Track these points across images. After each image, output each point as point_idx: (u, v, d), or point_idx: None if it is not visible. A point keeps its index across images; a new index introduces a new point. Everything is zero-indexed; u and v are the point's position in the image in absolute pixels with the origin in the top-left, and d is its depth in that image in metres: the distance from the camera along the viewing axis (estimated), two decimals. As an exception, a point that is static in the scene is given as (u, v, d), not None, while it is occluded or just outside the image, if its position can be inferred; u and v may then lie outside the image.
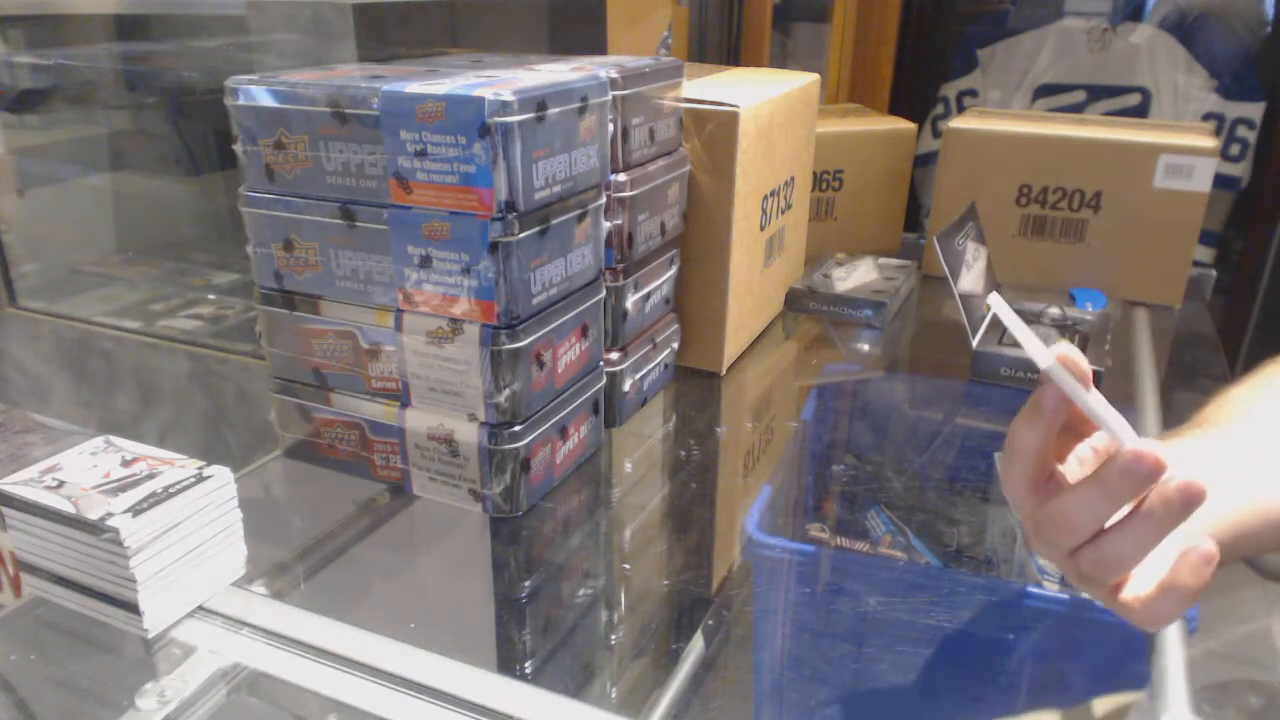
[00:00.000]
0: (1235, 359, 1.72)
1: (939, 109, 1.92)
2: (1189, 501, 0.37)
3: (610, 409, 0.79)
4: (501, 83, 0.60)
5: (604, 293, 0.74)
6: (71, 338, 1.14)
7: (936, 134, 1.88)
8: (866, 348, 1.03)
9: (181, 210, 1.36)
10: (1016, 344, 0.40)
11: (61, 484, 0.56)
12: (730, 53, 1.69)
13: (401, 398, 0.68)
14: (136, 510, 0.54)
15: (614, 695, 0.55)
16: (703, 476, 0.77)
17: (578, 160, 0.66)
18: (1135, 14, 1.77)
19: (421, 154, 0.60)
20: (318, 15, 0.98)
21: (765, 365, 0.97)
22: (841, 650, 0.65)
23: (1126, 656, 0.58)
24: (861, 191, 1.25)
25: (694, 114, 0.83)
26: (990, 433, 0.92)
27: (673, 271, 0.86)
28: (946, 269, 0.86)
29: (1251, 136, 1.71)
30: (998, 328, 0.93)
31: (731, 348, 0.92)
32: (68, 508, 0.54)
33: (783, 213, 1.00)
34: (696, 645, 0.57)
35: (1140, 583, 0.40)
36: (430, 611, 0.64)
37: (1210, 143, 1.05)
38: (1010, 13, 1.89)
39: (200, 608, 0.58)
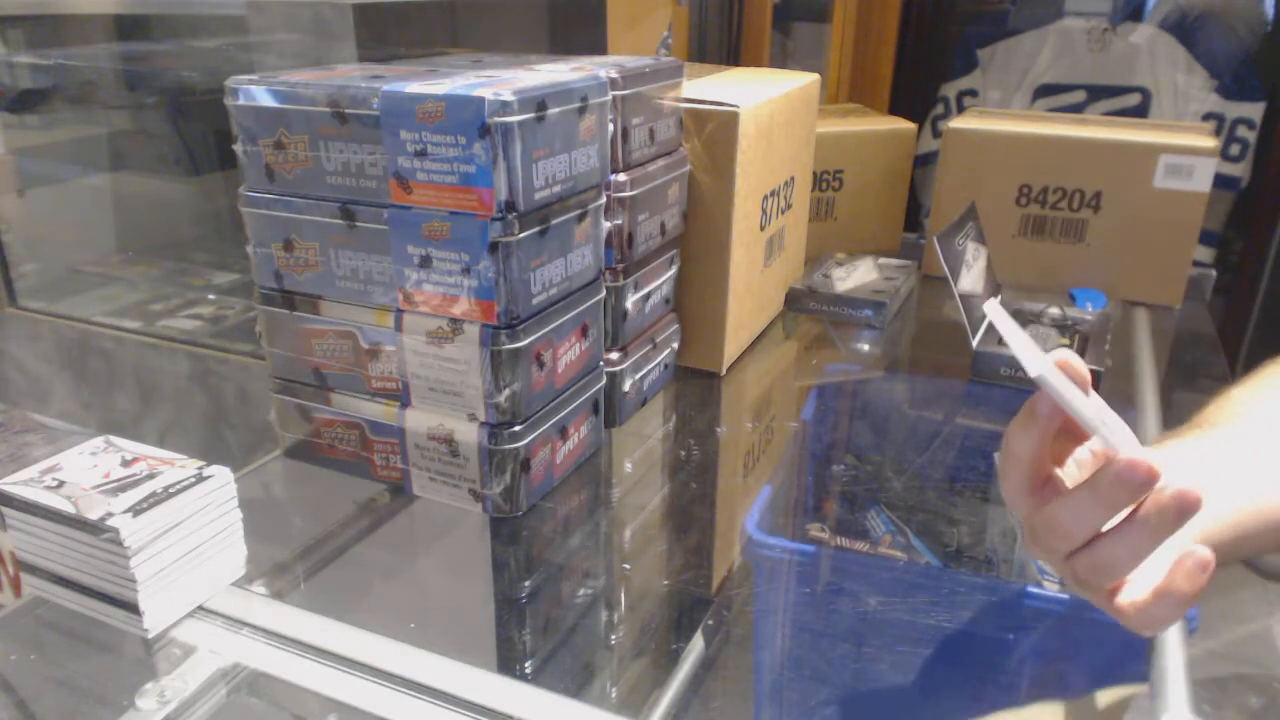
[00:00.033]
0: (1235, 359, 1.72)
1: (939, 109, 1.92)
2: (1184, 510, 0.37)
3: (610, 409, 0.79)
4: (501, 83, 0.60)
5: (604, 293, 0.74)
6: (71, 338, 1.14)
7: (936, 134, 1.88)
8: (866, 348, 1.03)
9: (181, 210, 1.36)
10: None
11: (61, 484, 0.56)
12: (730, 53, 1.69)
13: (401, 398, 0.68)
14: (136, 510, 0.54)
15: (614, 695, 0.55)
16: (703, 476, 0.77)
17: (578, 160, 0.66)
18: (1135, 14, 1.78)
19: (421, 154, 0.60)
20: (318, 15, 0.98)
21: (765, 365, 0.97)
22: (841, 650, 0.65)
23: (1126, 656, 0.58)
24: (861, 191, 1.25)
25: (694, 114, 0.83)
26: (990, 433, 0.92)
27: (673, 271, 0.86)
28: (946, 269, 0.86)
29: (1251, 136, 1.71)
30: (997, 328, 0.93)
31: (731, 348, 0.92)
32: (68, 508, 0.54)
33: (783, 213, 1.00)
34: (696, 645, 0.57)
35: (1136, 587, 0.40)
36: (430, 611, 0.64)
37: (1210, 143, 1.05)
38: (1010, 13, 1.89)
39: (200, 608, 0.58)
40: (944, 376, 1.02)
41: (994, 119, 1.18)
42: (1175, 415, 0.84)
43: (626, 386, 0.80)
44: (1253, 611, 0.63)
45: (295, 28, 1.00)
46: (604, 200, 0.72)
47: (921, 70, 2.00)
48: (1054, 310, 1.01)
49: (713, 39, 1.64)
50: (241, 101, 0.65)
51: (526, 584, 0.64)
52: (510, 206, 0.60)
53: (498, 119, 0.57)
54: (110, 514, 0.53)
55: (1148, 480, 0.36)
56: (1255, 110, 1.71)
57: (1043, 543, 0.41)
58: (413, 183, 0.61)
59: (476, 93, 0.57)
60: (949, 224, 0.91)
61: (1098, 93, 1.79)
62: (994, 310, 0.41)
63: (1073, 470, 0.43)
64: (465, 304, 0.63)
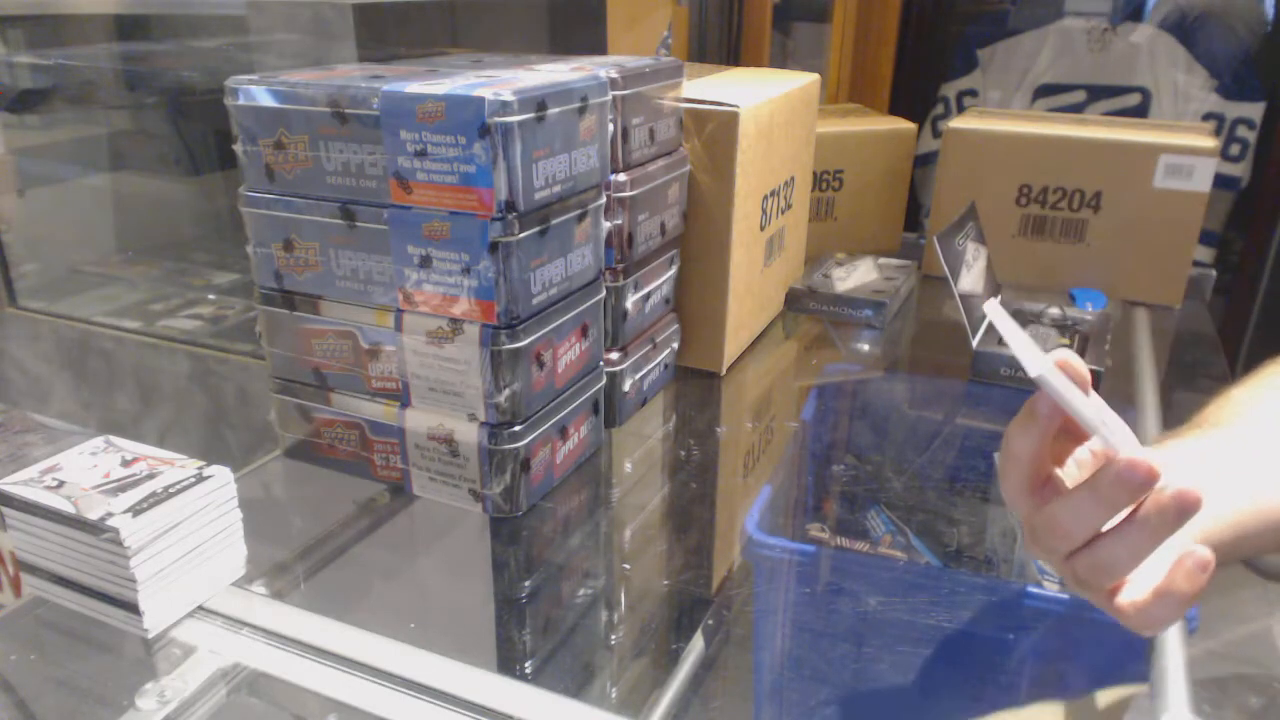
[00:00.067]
0: (1235, 359, 1.72)
1: (939, 109, 1.92)
2: (1184, 510, 0.37)
3: (610, 409, 0.79)
4: (501, 83, 0.60)
5: (604, 293, 0.74)
6: (71, 338, 1.14)
7: (936, 134, 1.88)
8: (866, 348, 1.03)
9: (181, 210, 1.36)
10: None
11: (61, 484, 0.56)
12: (730, 53, 1.69)
13: (401, 398, 0.68)
14: (136, 510, 0.54)
15: (614, 695, 0.55)
16: (703, 476, 0.77)
17: (578, 160, 0.66)
18: (1135, 14, 1.78)
19: (421, 154, 0.60)
20: (318, 15, 0.98)
21: (765, 365, 0.97)
22: (841, 650, 0.65)
23: (1126, 656, 0.58)
24: (861, 191, 1.25)
25: (694, 114, 0.83)
26: (990, 433, 0.92)
27: (673, 271, 0.86)
28: (946, 269, 0.86)
29: (1251, 136, 1.71)
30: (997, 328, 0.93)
31: (731, 348, 0.92)
32: (68, 508, 0.54)
33: (783, 213, 1.00)
34: (696, 645, 0.57)
35: (1136, 587, 0.40)
36: (430, 611, 0.64)
37: (1210, 143, 1.05)
38: (1010, 13, 1.89)
39: (200, 608, 0.58)
40: (944, 376, 1.02)
41: (994, 119, 1.18)
42: (1175, 415, 0.84)
43: (626, 386, 0.80)
44: (1253, 611, 0.63)
45: (295, 28, 1.00)
46: (604, 200, 0.72)
47: (921, 70, 2.00)
48: (1054, 310, 1.01)
49: (713, 39, 1.64)
50: (241, 101, 0.65)
51: (526, 584, 0.64)
52: (510, 206, 0.60)
53: (498, 119, 0.57)
54: (110, 514, 0.53)
55: (1148, 480, 0.36)
56: (1255, 110, 1.71)
57: (1042, 543, 0.41)
58: (413, 183, 0.61)
59: (476, 93, 0.57)
60: (949, 224, 0.91)
61: (1098, 93, 1.79)
62: (994, 310, 0.41)
63: (1073, 470, 0.43)
64: (465, 304, 0.63)
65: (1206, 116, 1.72)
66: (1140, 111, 1.76)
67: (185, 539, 0.56)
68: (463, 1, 1.21)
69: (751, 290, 0.94)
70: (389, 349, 0.67)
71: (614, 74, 0.70)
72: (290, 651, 0.55)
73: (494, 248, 0.60)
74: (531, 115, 0.59)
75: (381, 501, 0.72)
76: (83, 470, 0.58)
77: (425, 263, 0.63)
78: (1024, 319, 1.01)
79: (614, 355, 0.78)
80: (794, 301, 1.08)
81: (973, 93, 1.90)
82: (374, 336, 0.67)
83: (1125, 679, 0.58)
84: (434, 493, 0.69)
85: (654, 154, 0.78)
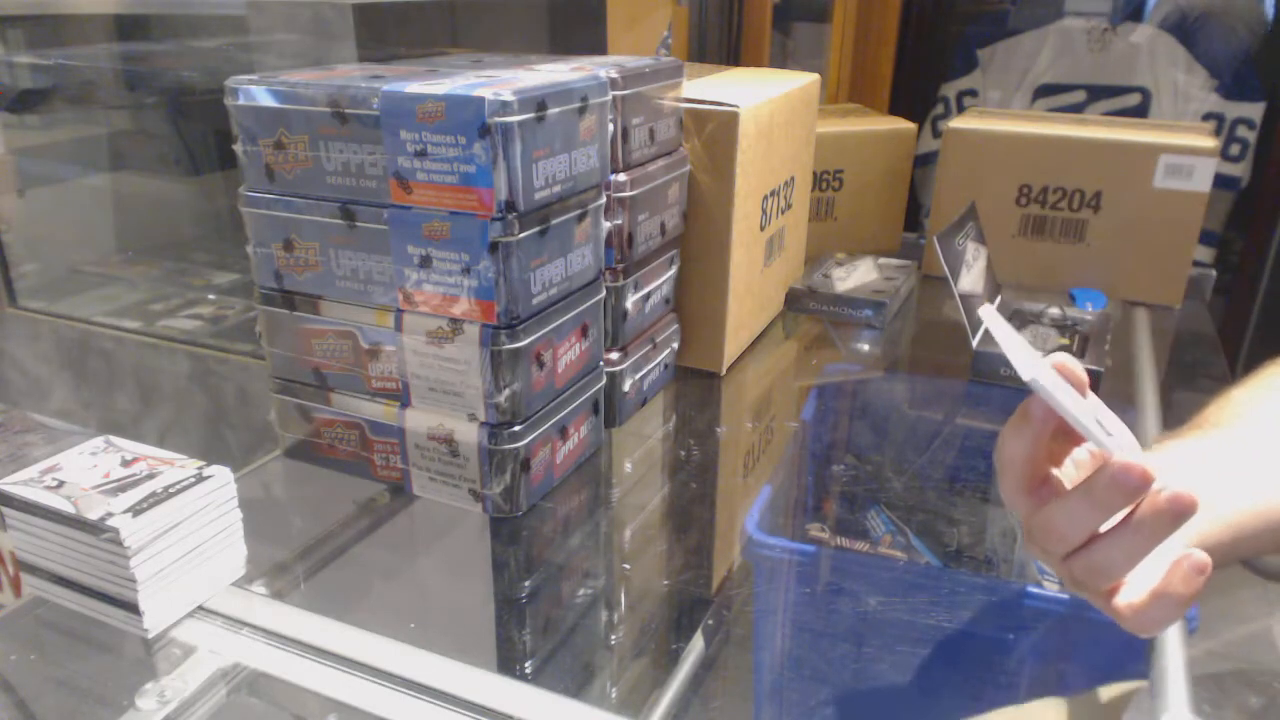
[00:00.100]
0: (1235, 359, 1.72)
1: (939, 109, 1.92)
2: (1179, 513, 0.37)
3: (610, 409, 0.79)
4: (501, 83, 0.60)
5: (604, 293, 0.74)
6: (71, 338, 1.14)
7: (936, 134, 1.88)
8: (866, 348, 1.03)
9: (181, 210, 1.36)
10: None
11: (61, 484, 0.56)
12: (730, 53, 1.69)
13: (401, 398, 0.68)
14: (136, 510, 0.54)
15: (614, 695, 0.55)
16: (703, 476, 0.77)
17: (578, 160, 0.66)
18: (1135, 14, 1.78)
19: (421, 154, 0.60)
20: (318, 15, 0.98)
21: (765, 365, 0.97)
22: (841, 650, 0.65)
23: (1126, 656, 0.58)
24: (861, 191, 1.25)
25: (694, 114, 0.83)
26: (990, 433, 0.92)
27: (673, 271, 0.86)
28: (946, 269, 0.86)
29: (1251, 136, 1.71)
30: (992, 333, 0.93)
31: (731, 348, 0.92)
32: (68, 508, 0.54)
33: (783, 213, 1.00)
34: (696, 645, 0.57)
35: (1133, 589, 0.40)
36: (430, 611, 0.64)
37: (1210, 143, 1.05)
38: (1010, 13, 1.89)
39: (200, 608, 0.58)
40: (944, 376, 1.02)
41: (994, 119, 1.18)
42: (1175, 415, 0.84)
43: (626, 386, 0.80)
44: (1253, 611, 0.63)
45: (295, 28, 1.00)
46: (604, 200, 0.72)
47: (921, 70, 2.00)
48: (1054, 310, 1.01)
49: (713, 39, 1.64)
50: (241, 101, 0.65)
51: (526, 584, 0.64)
52: (510, 206, 0.60)
53: (498, 119, 0.57)
54: (110, 514, 0.53)
55: (1142, 484, 0.37)
56: (1255, 110, 1.71)
57: (1039, 544, 0.41)
58: (413, 183, 0.61)
59: (476, 93, 0.57)
60: (949, 224, 0.91)
61: (1098, 93, 1.79)
62: (989, 315, 0.41)
63: (1071, 470, 0.43)
64: (465, 304, 0.63)
65: (1206, 116, 1.72)
66: (1140, 111, 1.76)
67: (185, 539, 0.56)
68: (463, 1, 1.21)
69: (751, 290, 0.94)
70: (389, 349, 0.67)
71: (614, 74, 0.70)
72: (290, 651, 0.55)
73: (494, 248, 0.60)
74: (531, 115, 0.59)
75: (381, 501, 0.72)
76: (83, 470, 0.58)
77: (425, 263, 0.63)
78: (1024, 319, 1.01)
79: (614, 355, 0.78)
80: (794, 301, 1.08)
81: (973, 93, 1.90)
82: (374, 336, 0.67)
83: (1125, 679, 0.58)
84: (434, 493, 0.69)
85: (654, 154, 0.78)
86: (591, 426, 0.76)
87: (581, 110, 0.65)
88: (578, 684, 0.55)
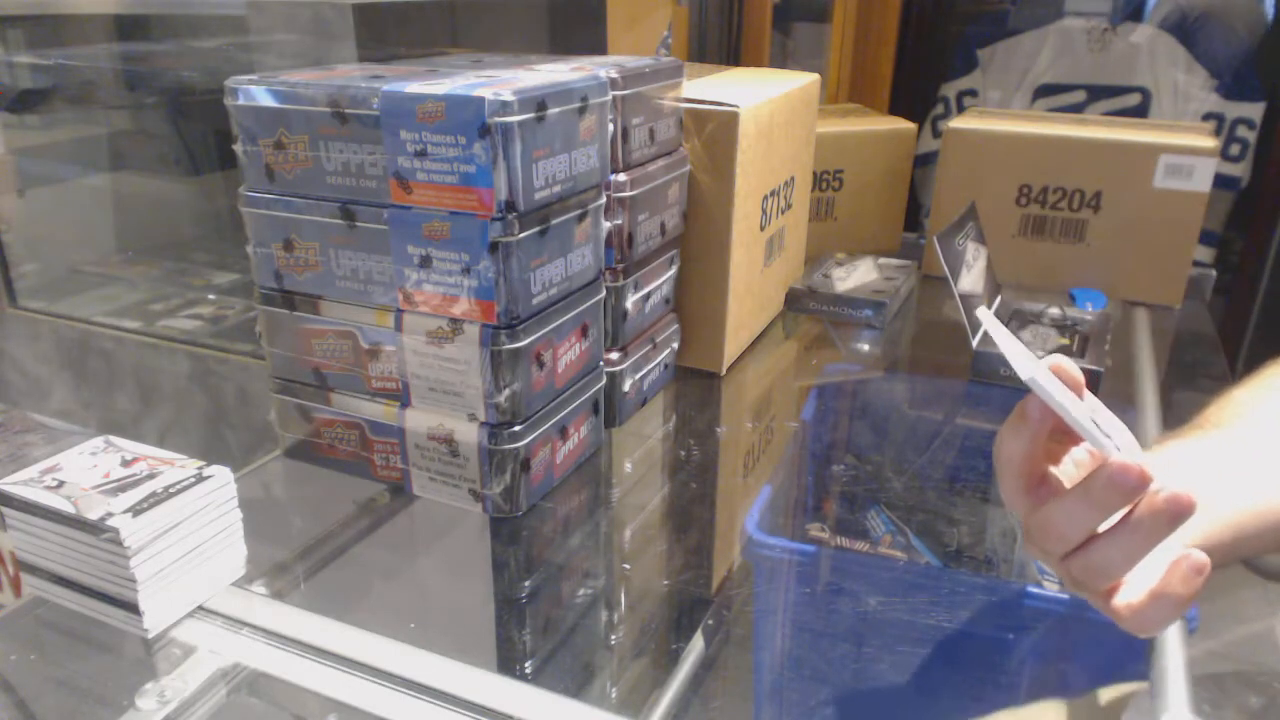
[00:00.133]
0: (1235, 359, 1.72)
1: (939, 109, 1.92)
2: (1177, 513, 0.37)
3: (610, 409, 0.79)
4: (501, 83, 0.60)
5: (604, 293, 0.74)
6: (71, 338, 1.14)
7: (936, 134, 1.88)
8: (866, 348, 1.03)
9: (181, 210, 1.36)
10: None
11: (61, 484, 0.56)
12: (730, 53, 1.69)
13: (401, 398, 0.68)
14: (136, 510, 0.54)
15: (614, 695, 0.55)
16: (703, 476, 0.77)
17: (578, 160, 0.66)
18: (1135, 14, 1.78)
19: (421, 154, 0.60)
20: (318, 15, 0.98)
21: (765, 365, 0.97)
22: (841, 650, 0.65)
23: (1126, 656, 0.58)
24: (861, 191, 1.25)
25: (694, 114, 0.83)
26: (990, 433, 0.91)
27: (673, 271, 0.86)
28: (946, 269, 0.86)
29: (1251, 136, 1.71)
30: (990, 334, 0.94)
31: (731, 348, 0.92)
32: (68, 508, 0.54)
33: (783, 213, 1.00)
34: (696, 645, 0.57)
35: (1132, 589, 0.40)
36: (430, 611, 0.64)
37: (1210, 143, 1.05)
38: (1010, 13, 1.89)
39: (200, 608, 0.58)
40: (944, 376, 1.02)
41: (994, 119, 1.18)
42: (1175, 415, 0.84)
43: (626, 386, 0.80)
44: (1253, 611, 0.63)
45: (295, 28, 1.00)
46: (604, 200, 0.72)
47: (921, 70, 2.00)
48: (1054, 310, 1.01)
49: (713, 39, 1.64)
50: (241, 101, 0.65)
51: (526, 584, 0.64)
52: (510, 206, 0.60)
53: (498, 119, 0.57)
54: (110, 514, 0.53)
55: (1139, 485, 0.37)
56: (1255, 110, 1.71)
57: (1038, 544, 0.41)
58: (413, 183, 0.61)
59: (476, 93, 0.57)
60: (949, 224, 0.91)
61: (1098, 93, 1.79)
62: (986, 316, 0.42)
63: (1070, 469, 0.43)
64: (465, 304, 0.63)
65: (1206, 116, 1.72)
66: (1140, 111, 1.76)
67: (185, 539, 0.56)
68: (463, 1, 1.21)
69: (751, 290, 0.94)
70: (389, 349, 0.67)
71: (614, 74, 0.70)
72: (290, 651, 0.55)
73: (494, 248, 0.60)
74: (531, 115, 0.59)
75: (381, 501, 0.72)
76: (83, 470, 0.58)
77: (425, 263, 0.63)
78: (1024, 319, 1.01)
79: (614, 355, 0.78)
80: (794, 301, 1.08)
81: (973, 93, 1.90)
82: (374, 336, 0.67)
83: (1125, 679, 0.58)
84: (434, 493, 0.69)
85: (654, 154, 0.78)
86: (591, 426, 0.76)
87: (581, 110, 0.65)
88: (578, 684, 0.55)
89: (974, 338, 0.89)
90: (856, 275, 1.13)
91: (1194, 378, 0.99)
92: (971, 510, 0.86)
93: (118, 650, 0.57)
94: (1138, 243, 1.10)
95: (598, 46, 1.31)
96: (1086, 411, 0.39)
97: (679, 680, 0.55)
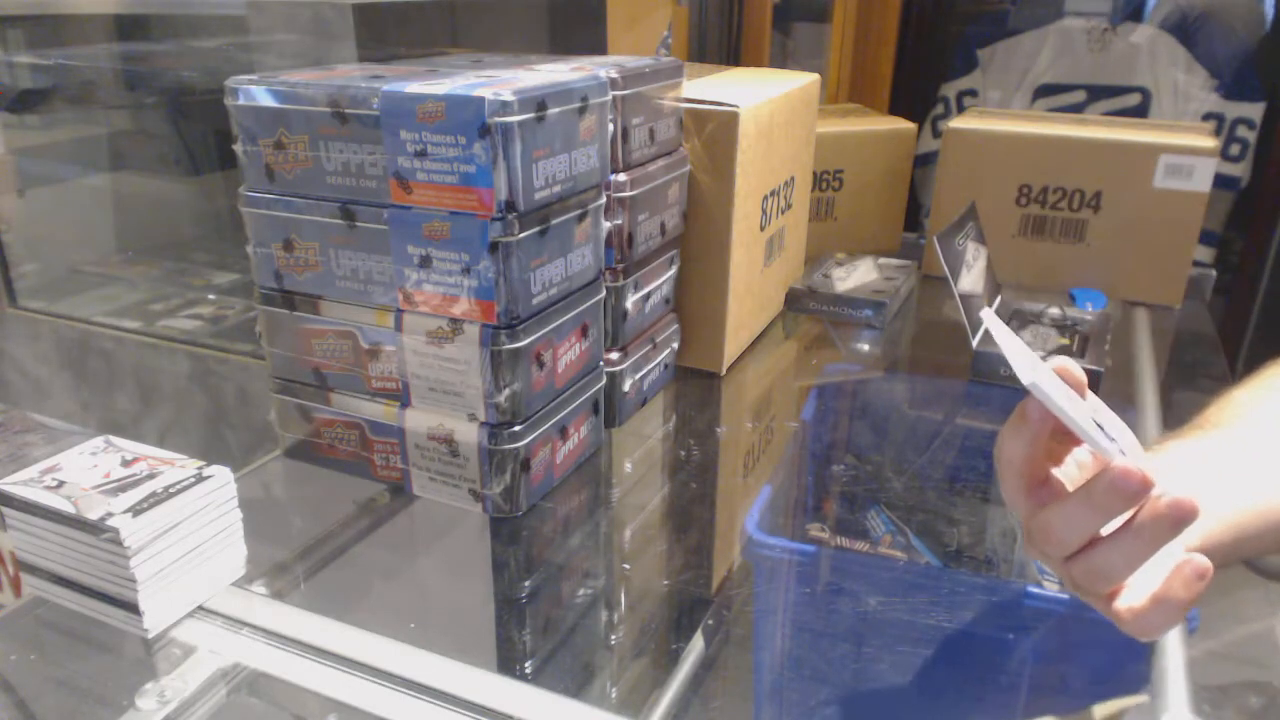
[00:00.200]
0: (1235, 359, 1.72)
1: (939, 109, 1.92)
2: (1180, 519, 0.37)
3: (610, 409, 0.79)
4: (501, 83, 0.60)
5: (604, 293, 0.74)
6: (71, 338, 1.14)
7: (936, 134, 1.88)
8: (866, 348, 1.03)
9: (181, 210, 1.36)
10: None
11: (61, 484, 0.56)
12: (730, 53, 1.69)
13: (401, 398, 0.68)
14: (136, 510, 0.54)
15: (614, 695, 0.55)
16: (703, 476, 0.77)
17: (578, 160, 0.66)
18: (1135, 14, 1.78)
19: (421, 154, 0.60)
20: (318, 15, 0.98)
21: (765, 365, 0.97)
22: (841, 650, 0.65)
23: (1127, 657, 0.58)
24: (861, 191, 1.25)
25: (694, 114, 0.83)
26: (990, 433, 0.91)
27: (673, 271, 0.86)
28: (946, 269, 0.86)
29: (1251, 136, 1.71)
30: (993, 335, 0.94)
31: (731, 348, 0.92)
32: (68, 508, 0.54)
33: (783, 213, 1.00)
34: (696, 645, 0.57)
35: (1134, 593, 0.40)
36: (430, 611, 0.64)
37: (1210, 143, 1.05)
38: (1010, 13, 1.89)
39: (200, 608, 0.58)
40: (944, 376, 1.02)
41: (994, 119, 1.18)
42: (1175, 415, 0.84)
43: (626, 386, 0.80)
44: (1254, 612, 0.63)
45: (295, 28, 1.00)
46: (604, 200, 0.72)
47: (921, 70, 2.00)
48: (1054, 310, 1.01)
49: (713, 39, 1.64)
50: (241, 101, 0.65)
51: (526, 584, 0.64)
52: (510, 206, 0.60)
53: (498, 119, 0.57)
54: (110, 514, 0.53)
55: (1141, 489, 0.37)
56: (1255, 110, 1.71)
57: (1039, 547, 0.41)
58: (413, 183, 0.61)
59: (476, 93, 0.57)
60: (949, 224, 0.91)
61: (1098, 93, 1.79)
62: (989, 318, 0.42)
63: (1072, 470, 0.43)
64: (465, 304, 0.63)
65: (1206, 116, 1.72)
66: (1140, 111, 1.76)
67: (185, 539, 0.56)
68: (463, 1, 1.21)
69: (751, 290, 0.94)
70: (389, 349, 0.67)
71: (614, 74, 0.70)
72: (290, 651, 0.55)
73: (494, 248, 0.60)
74: (531, 115, 0.59)
75: (381, 501, 0.72)
76: (83, 470, 0.58)
77: (425, 263, 0.63)
78: (1024, 319, 1.01)
79: (614, 355, 0.78)
80: (794, 301, 1.07)
81: (973, 93, 1.90)
82: (374, 336, 0.67)
83: (1126, 679, 0.58)
84: (434, 493, 0.69)
85: (654, 154, 0.78)
86: (591, 426, 0.76)
87: (581, 110, 0.65)
88: (578, 684, 0.55)
89: (974, 338, 0.89)
90: (856, 275, 1.13)
91: (1194, 378, 0.99)
92: (971, 510, 0.86)
93: (118, 650, 0.57)
94: (1138, 243, 1.10)
95: (598, 46, 1.31)
96: (1088, 413, 0.39)
97: (679, 680, 0.55)
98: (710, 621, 0.60)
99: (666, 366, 0.88)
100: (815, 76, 1.04)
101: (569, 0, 1.34)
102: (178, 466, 0.58)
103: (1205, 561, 0.38)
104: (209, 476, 0.58)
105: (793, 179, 1.02)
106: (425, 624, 0.60)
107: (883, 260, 1.18)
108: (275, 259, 0.69)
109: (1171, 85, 1.74)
